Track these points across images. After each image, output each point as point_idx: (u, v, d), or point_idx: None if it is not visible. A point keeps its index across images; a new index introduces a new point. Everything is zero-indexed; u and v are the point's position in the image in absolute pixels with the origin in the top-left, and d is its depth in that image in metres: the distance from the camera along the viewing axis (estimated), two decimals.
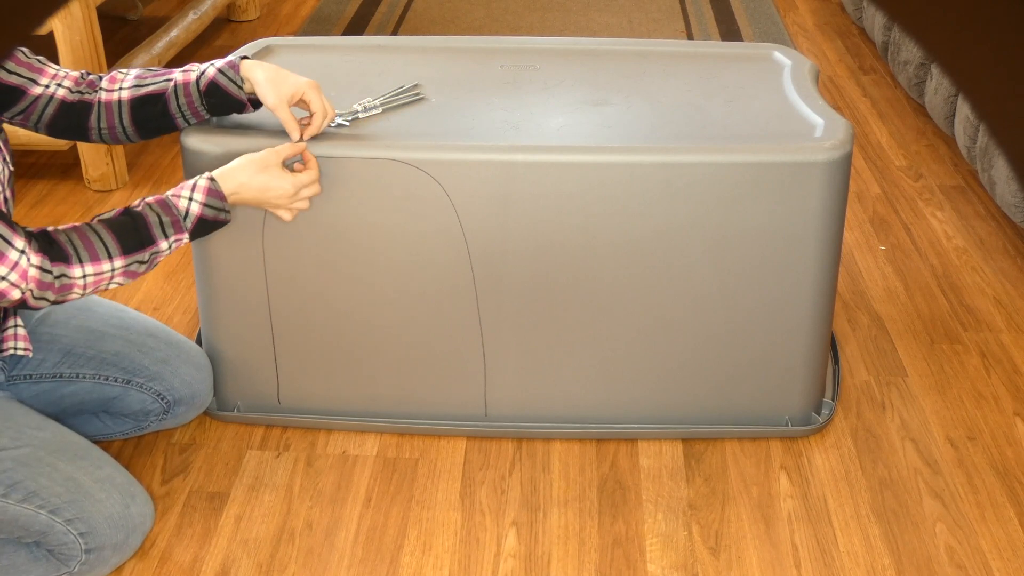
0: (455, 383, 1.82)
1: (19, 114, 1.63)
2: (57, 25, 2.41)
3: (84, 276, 1.47)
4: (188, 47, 3.33)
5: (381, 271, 1.74)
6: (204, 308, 1.83)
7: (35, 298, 1.45)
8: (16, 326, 1.62)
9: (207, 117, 1.67)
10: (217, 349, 1.84)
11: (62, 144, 2.53)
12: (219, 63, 1.65)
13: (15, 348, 1.61)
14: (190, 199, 1.55)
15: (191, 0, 3.23)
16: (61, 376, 1.71)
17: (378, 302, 1.76)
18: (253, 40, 2.04)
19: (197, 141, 1.68)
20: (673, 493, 1.74)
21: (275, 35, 3.44)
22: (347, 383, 1.84)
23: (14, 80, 1.60)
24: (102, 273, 1.49)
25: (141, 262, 1.52)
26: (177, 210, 1.54)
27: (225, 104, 1.66)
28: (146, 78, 1.67)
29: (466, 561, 1.62)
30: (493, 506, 1.72)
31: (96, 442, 1.70)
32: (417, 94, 1.84)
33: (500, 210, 1.68)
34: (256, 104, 1.67)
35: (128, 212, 1.52)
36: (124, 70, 1.69)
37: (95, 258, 1.47)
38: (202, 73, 1.65)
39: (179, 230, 1.54)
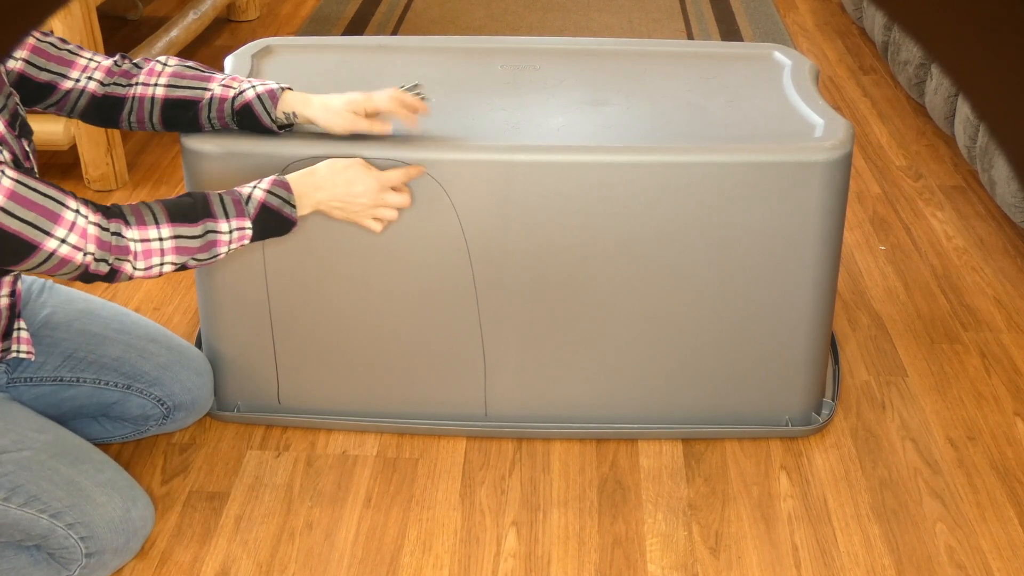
0: (455, 383, 1.82)
1: (52, 106, 1.64)
2: (57, 25, 2.41)
3: (134, 240, 1.43)
4: (188, 47, 3.33)
5: (381, 271, 1.74)
6: (204, 308, 1.83)
7: (96, 261, 1.41)
8: (19, 329, 1.61)
9: (234, 128, 1.67)
10: (217, 349, 1.84)
11: (62, 144, 2.53)
12: (260, 88, 1.64)
13: (18, 351, 1.60)
14: (255, 186, 1.52)
15: (191, 0, 3.23)
16: (61, 380, 1.70)
17: (378, 302, 1.76)
18: (253, 40, 2.04)
19: (197, 141, 1.67)
20: (673, 493, 1.74)
21: (275, 35, 3.44)
22: (347, 383, 1.84)
23: (44, 77, 1.60)
24: (149, 240, 1.44)
25: (193, 236, 1.47)
26: (240, 194, 1.51)
27: (253, 126, 1.65)
28: (184, 78, 1.65)
29: (466, 561, 1.62)
30: (493, 506, 1.72)
31: (95, 444, 1.70)
32: (417, 94, 1.84)
33: (500, 210, 1.68)
34: (284, 128, 1.67)
35: (189, 193, 1.50)
36: (163, 60, 1.67)
37: (141, 222, 1.44)
38: (240, 93, 1.63)
39: (241, 213, 1.49)
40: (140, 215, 1.44)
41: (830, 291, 1.77)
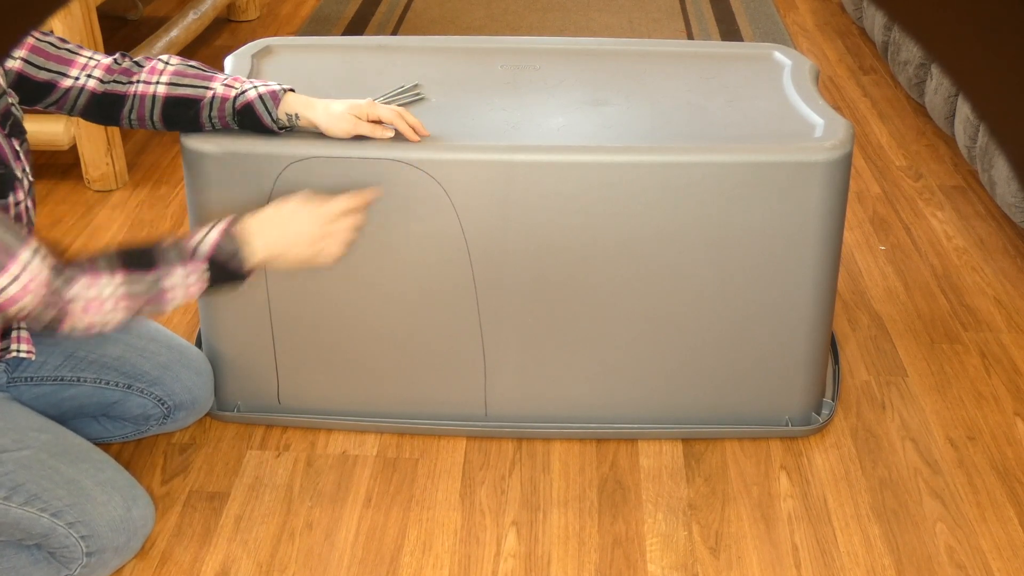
0: (455, 383, 1.82)
1: (52, 104, 1.63)
2: (57, 25, 2.41)
3: (84, 289, 1.36)
4: (188, 47, 3.33)
5: (381, 271, 1.74)
6: (204, 308, 1.84)
7: (43, 307, 1.34)
8: (19, 328, 1.61)
9: (235, 128, 1.67)
10: (217, 349, 1.84)
11: (62, 144, 2.53)
12: (262, 88, 1.63)
13: (18, 351, 1.61)
14: (209, 230, 1.47)
15: (191, 0, 3.23)
16: (62, 379, 1.70)
17: (378, 302, 1.76)
18: (253, 40, 2.04)
19: (197, 141, 1.67)
20: (673, 493, 1.74)
21: (275, 35, 3.44)
22: (347, 383, 1.84)
23: (44, 76, 1.60)
24: (101, 286, 1.37)
25: (144, 283, 1.40)
26: (193, 240, 1.46)
27: (254, 126, 1.65)
28: (186, 76, 1.64)
29: (466, 561, 1.62)
30: (493, 506, 1.72)
31: (96, 444, 1.70)
32: (417, 94, 1.84)
33: (500, 210, 1.68)
34: (284, 129, 1.67)
35: (143, 241, 1.45)
36: (165, 59, 1.67)
37: (93, 271, 1.37)
38: (242, 92, 1.63)
39: (193, 257, 1.43)
40: (93, 264, 1.37)
41: (830, 291, 1.77)
